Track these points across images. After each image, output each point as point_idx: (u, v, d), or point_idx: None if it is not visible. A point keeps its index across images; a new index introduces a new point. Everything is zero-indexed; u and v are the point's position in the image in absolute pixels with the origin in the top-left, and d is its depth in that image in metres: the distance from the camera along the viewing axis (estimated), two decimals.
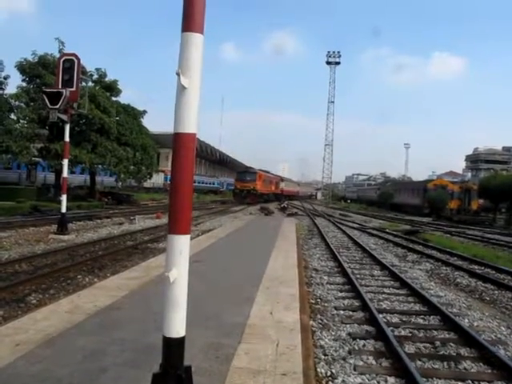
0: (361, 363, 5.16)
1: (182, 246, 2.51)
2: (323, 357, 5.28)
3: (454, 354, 5.62)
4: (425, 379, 4.63)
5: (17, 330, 4.66)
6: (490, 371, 5.11)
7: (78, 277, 9.18)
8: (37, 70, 27.47)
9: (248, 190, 51.18)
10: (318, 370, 4.83)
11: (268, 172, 65.93)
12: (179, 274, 2.49)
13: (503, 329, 6.97)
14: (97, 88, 30.62)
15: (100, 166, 32.35)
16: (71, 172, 31.78)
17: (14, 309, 6.84)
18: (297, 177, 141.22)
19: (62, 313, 5.35)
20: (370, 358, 5.33)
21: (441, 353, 5.67)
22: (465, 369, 5.16)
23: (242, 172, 56.49)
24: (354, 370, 4.94)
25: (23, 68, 27.68)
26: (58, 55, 25.18)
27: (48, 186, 33.18)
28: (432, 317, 7.27)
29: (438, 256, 14.82)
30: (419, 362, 5.29)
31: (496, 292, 9.86)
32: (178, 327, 2.56)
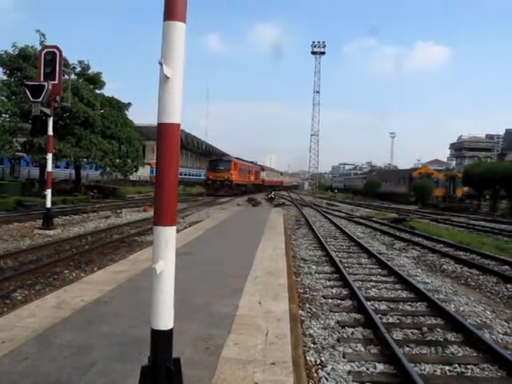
0: (350, 351, 5.20)
1: (168, 237, 2.49)
2: (312, 345, 5.31)
3: (441, 339, 5.69)
4: (413, 364, 4.69)
5: (2, 327, 4.60)
6: (475, 355, 5.19)
7: (65, 272, 9.09)
8: (17, 63, 26.95)
9: (221, 180, 45.86)
10: (308, 358, 4.85)
11: (255, 163, 63.20)
12: (166, 266, 2.46)
13: (488, 313, 7.08)
14: (80, 81, 30.17)
15: (85, 160, 31.94)
16: (56, 166, 31.42)
17: None
18: (284, 167, 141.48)
19: (49, 308, 5.30)
20: (359, 345, 5.37)
21: (428, 338, 5.74)
22: (452, 353, 5.24)
23: (215, 160, 49.97)
24: (343, 357, 4.98)
25: (3, 61, 27.12)
26: (39, 48, 24.74)
27: (32, 180, 32.72)
28: (419, 303, 7.35)
29: (425, 243, 14.99)
30: (407, 348, 5.35)
31: (481, 277, 10.00)
32: (165, 319, 2.54)
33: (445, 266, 11.21)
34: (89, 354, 3.95)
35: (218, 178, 46.01)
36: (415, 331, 6.01)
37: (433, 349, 5.37)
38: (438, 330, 6.01)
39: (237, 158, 52.17)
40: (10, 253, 10.59)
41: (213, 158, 53.64)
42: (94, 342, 4.23)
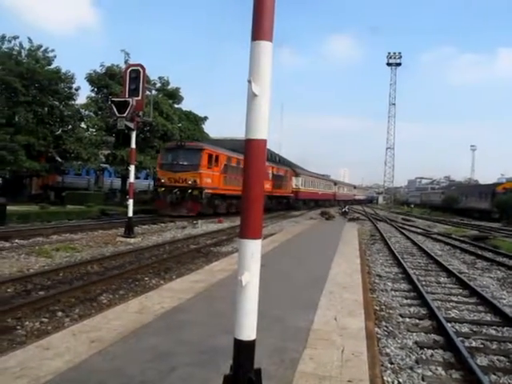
0: (429, 373, 4.98)
1: (253, 249, 2.54)
2: (389, 365, 5.14)
3: None
4: None
5: (91, 327, 4.92)
6: None
7: (145, 279, 9.52)
8: (104, 81, 28.91)
9: (183, 188, 24.46)
10: (385, 378, 4.71)
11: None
12: (251, 278, 2.52)
13: None
14: (160, 96, 31.69)
15: None
16: (136, 177, 33.01)
17: (87, 307, 7.22)
18: (357, 181, 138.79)
19: (132, 313, 5.58)
20: (439, 368, 5.13)
21: None
22: None
23: (171, 149, 26.14)
24: (423, 380, 4.78)
25: (92, 79, 29.22)
26: (123, 65, 26.37)
27: (114, 190, 34.68)
28: (506, 328, 6.89)
29: (511, 264, 14.03)
30: (493, 376, 5.01)
31: None
32: (248, 330, 2.59)
33: None
34: (169, 359, 4.11)
35: (177, 184, 24.68)
36: (502, 358, 5.62)
37: None
38: None
39: (231, 149, 28.78)
40: (96, 259, 11.27)
41: (168, 144, 28.04)
42: (174, 348, 4.39)
